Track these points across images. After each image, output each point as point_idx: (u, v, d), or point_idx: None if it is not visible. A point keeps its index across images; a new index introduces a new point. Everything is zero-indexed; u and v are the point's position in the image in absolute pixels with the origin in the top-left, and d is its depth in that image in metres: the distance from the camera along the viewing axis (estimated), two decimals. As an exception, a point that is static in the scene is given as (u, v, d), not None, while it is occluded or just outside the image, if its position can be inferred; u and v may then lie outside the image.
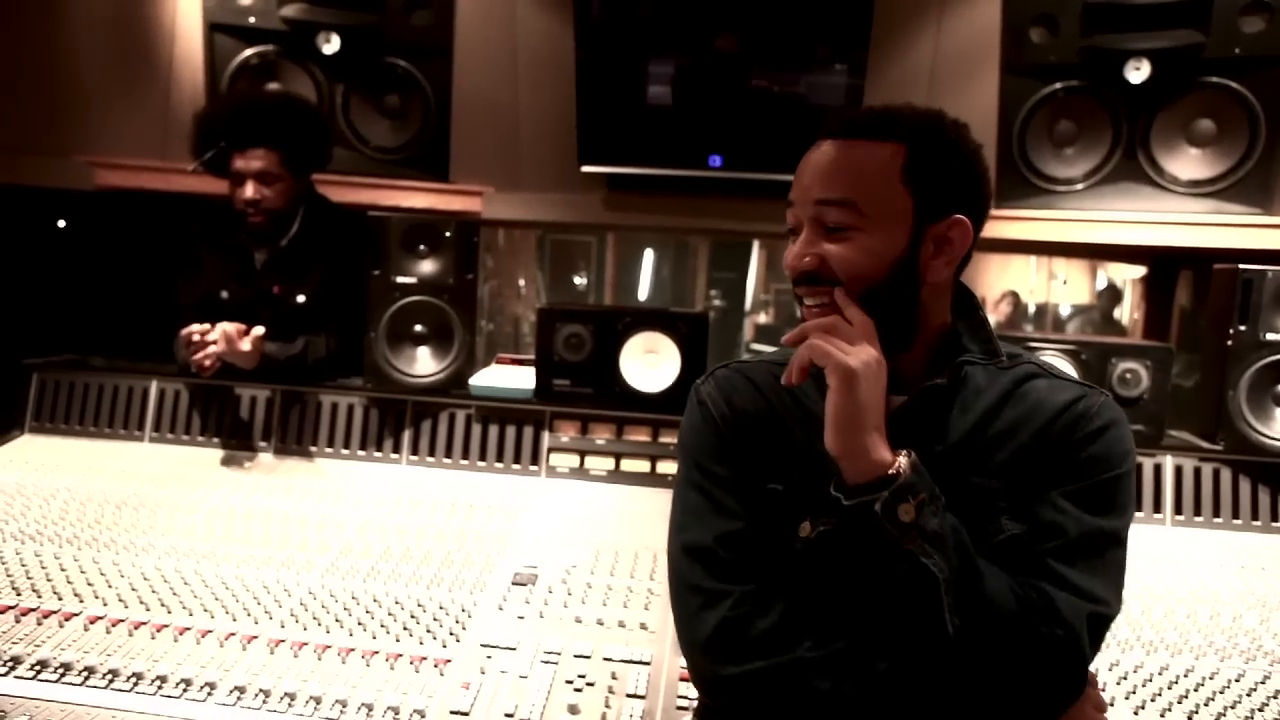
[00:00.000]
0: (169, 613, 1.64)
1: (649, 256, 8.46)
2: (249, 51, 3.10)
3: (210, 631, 1.59)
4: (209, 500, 2.02)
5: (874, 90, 3.11)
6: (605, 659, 1.57)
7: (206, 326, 2.14)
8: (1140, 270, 6.41)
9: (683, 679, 1.55)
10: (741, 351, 7.58)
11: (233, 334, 2.14)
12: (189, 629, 1.59)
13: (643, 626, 1.66)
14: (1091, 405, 1.14)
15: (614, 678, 1.53)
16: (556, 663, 1.56)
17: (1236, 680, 1.60)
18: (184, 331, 2.15)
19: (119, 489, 2.05)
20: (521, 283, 7.55)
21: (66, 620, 1.60)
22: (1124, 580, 1.13)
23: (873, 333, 1.09)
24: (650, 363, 2.19)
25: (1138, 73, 2.88)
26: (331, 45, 3.07)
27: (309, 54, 3.08)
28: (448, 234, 2.19)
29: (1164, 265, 3.79)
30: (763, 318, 8.27)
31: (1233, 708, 1.54)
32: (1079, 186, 2.98)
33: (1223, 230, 2.88)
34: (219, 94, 3.05)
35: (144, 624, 1.60)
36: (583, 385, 2.19)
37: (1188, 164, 2.93)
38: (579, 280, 8.27)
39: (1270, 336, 2.02)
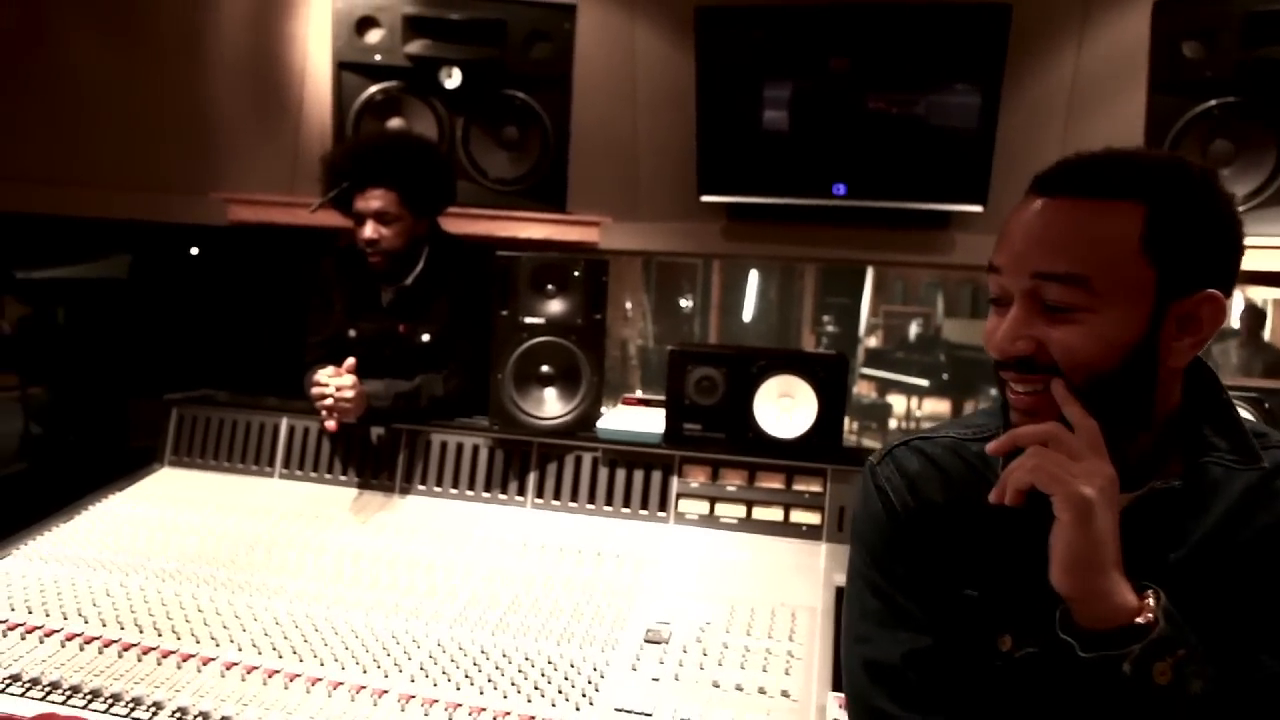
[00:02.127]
0: (301, 661, 1.62)
1: (754, 279, 8.36)
2: (374, 88, 3.15)
3: (341, 684, 1.56)
4: (338, 540, 2.02)
5: (1010, 112, 2.96)
6: (746, 729, 1.48)
7: (322, 388, 2.13)
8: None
9: (831, 756, 1.44)
10: (855, 378, 7.39)
11: (333, 390, 2.12)
12: (320, 680, 1.57)
13: (784, 694, 1.56)
14: None
15: (757, 751, 1.44)
16: (695, 732, 1.47)
17: None
18: (312, 391, 2.16)
19: (252, 527, 2.07)
20: (628, 305, 7.54)
21: (204, 665, 1.60)
22: None
23: (1101, 441, 0.92)
24: (785, 407, 2.09)
25: (1307, 86, 2.65)
26: (453, 80, 3.10)
27: (431, 89, 3.12)
28: (576, 273, 2.14)
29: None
30: (873, 341, 8.07)
31: None
32: (1240, 209, 2.76)
33: None
34: (344, 133, 3.11)
35: (277, 672, 1.59)
36: (714, 430, 2.11)
37: (1362, 183, 2.68)
38: (684, 303, 8.23)
39: None
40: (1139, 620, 0.87)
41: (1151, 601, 0.88)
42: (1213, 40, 2.74)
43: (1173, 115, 2.81)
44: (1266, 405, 1.88)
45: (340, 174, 2.39)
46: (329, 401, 2.11)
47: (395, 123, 3.15)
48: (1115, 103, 2.96)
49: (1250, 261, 2.64)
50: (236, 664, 1.60)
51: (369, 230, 2.34)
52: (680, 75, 3.14)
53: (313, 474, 2.28)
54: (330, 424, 2.13)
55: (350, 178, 2.37)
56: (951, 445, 1.11)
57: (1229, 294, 0.97)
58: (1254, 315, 6.33)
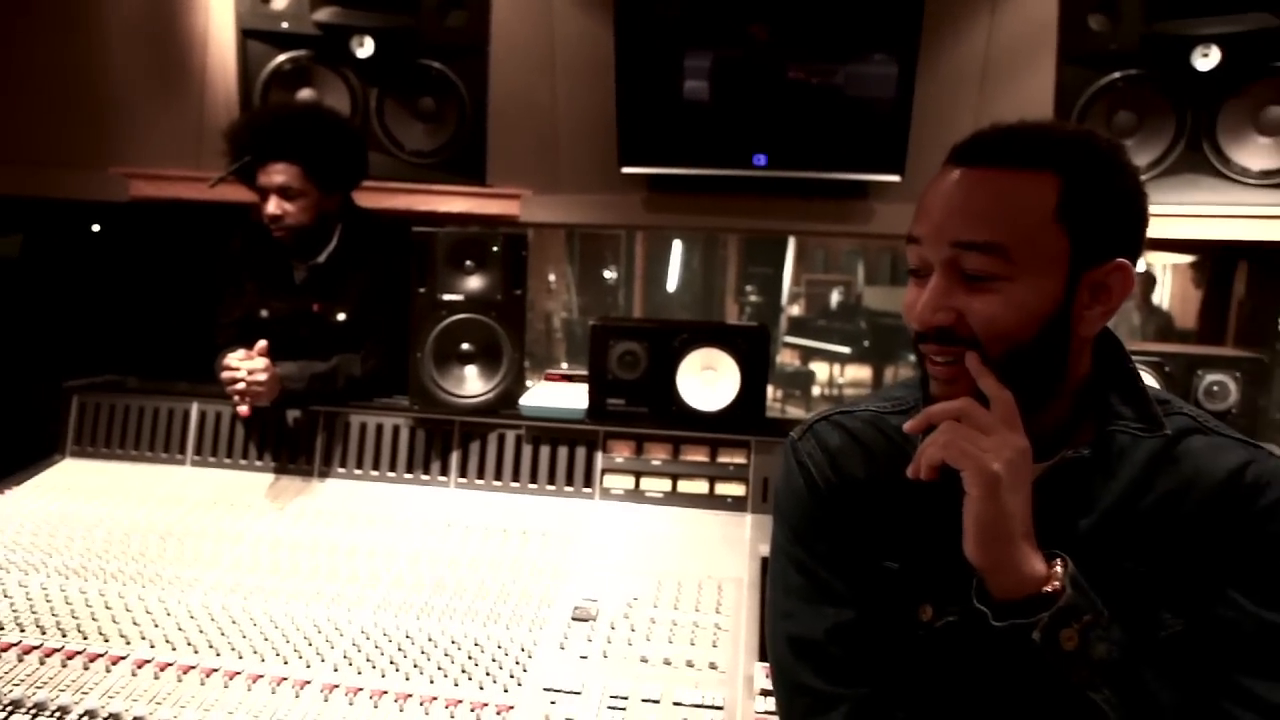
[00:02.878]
0: (218, 655, 1.57)
1: (678, 249, 8.37)
2: (282, 57, 3.03)
3: (261, 676, 1.52)
4: (254, 529, 1.96)
5: (925, 83, 2.99)
6: (675, 703, 1.49)
7: (233, 372, 2.06)
8: (1177, 258, 6.25)
9: (758, 725, 1.46)
10: (778, 347, 7.48)
11: (245, 375, 2.05)
12: (239, 673, 1.53)
13: (712, 666, 1.58)
14: (1263, 473, 0.99)
15: (686, 724, 1.45)
16: (624, 709, 1.48)
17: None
18: (223, 375, 2.09)
19: (162, 517, 2.00)
20: (551, 278, 7.49)
21: (113, 664, 1.54)
22: None
23: (1014, 412, 0.93)
24: (708, 379, 2.10)
25: (1206, 59, 2.75)
26: (365, 49, 2.99)
27: (342, 58, 3.01)
28: (495, 248, 2.10)
29: (1223, 257, 3.64)
30: (795, 310, 8.17)
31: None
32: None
33: (1298, 222, 2.75)
34: (251, 104, 2.99)
35: (193, 668, 1.54)
36: (637, 404, 2.10)
37: (1258, 154, 2.79)
38: (609, 275, 8.20)
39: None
40: (1046, 590, 0.89)
41: (1059, 570, 0.90)
42: (1117, 14, 2.81)
43: (1080, 87, 2.87)
44: (1167, 369, 1.96)
45: (242, 147, 2.29)
46: (241, 385, 2.04)
47: (305, 94, 3.03)
48: (1026, 74, 3.01)
49: (1151, 229, 2.74)
50: (148, 661, 1.55)
51: (272, 206, 2.25)
52: (599, 44, 3.09)
53: (226, 460, 2.20)
54: (243, 409, 2.06)
55: (252, 151, 2.27)
56: (871, 419, 1.12)
57: (1135, 263, 0.99)
58: (1147, 281, 6.60)
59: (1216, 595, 0.96)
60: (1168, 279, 7.32)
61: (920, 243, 0.98)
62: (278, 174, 2.25)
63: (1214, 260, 3.68)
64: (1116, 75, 2.84)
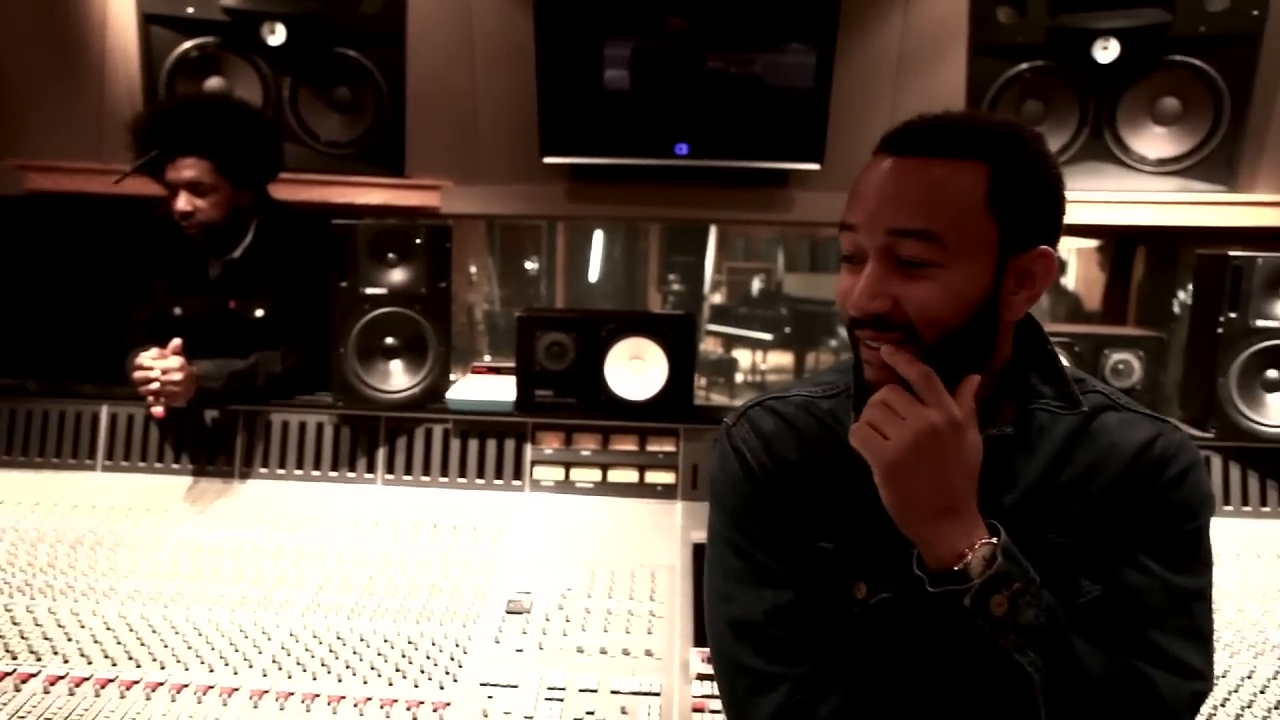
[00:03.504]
0: (138, 667, 1.52)
1: (599, 239, 8.36)
2: (188, 44, 2.92)
3: (185, 686, 1.48)
4: (173, 534, 1.89)
5: (843, 72, 3.04)
6: (613, 692, 1.50)
7: (146, 371, 1.98)
8: (1082, 242, 6.51)
9: (695, 709, 1.48)
10: (701, 335, 7.54)
11: (159, 374, 1.97)
12: (162, 684, 1.48)
13: (648, 653, 1.59)
14: (1169, 446, 1.05)
15: (624, 712, 1.46)
16: (562, 699, 1.48)
17: (1248, 678, 1.59)
18: (136, 375, 2.00)
19: (73, 525, 1.91)
20: (472, 269, 7.39)
21: (22, 683, 1.47)
22: (1214, 642, 1.05)
23: (935, 389, 0.95)
24: (635, 369, 2.10)
25: (1105, 52, 2.86)
26: (277, 36, 2.90)
27: (253, 46, 2.91)
28: (418, 240, 2.07)
29: (1124, 241, 3.81)
30: (717, 298, 8.24)
31: (1249, 707, 1.52)
32: (1054, 168, 2.96)
33: (1190, 209, 2.88)
34: (156, 94, 2.87)
35: (111, 681, 1.48)
36: (566, 395, 2.10)
37: (1154, 142, 2.92)
38: (530, 265, 8.14)
39: (1260, 323, 2.01)
40: (962, 564, 0.92)
41: (983, 547, 0.93)
42: (1023, 7, 2.91)
43: (990, 77, 2.96)
44: (1077, 349, 2.04)
45: (148, 140, 2.19)
46: (155, 386, 1.96)
47: (214, 83, 2.93)
48: (940, 64, 3.09)
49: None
50: (62, 677, 1.49)
51: (182, 202, 2.17)
52: (519, 32, 3.06)
53: (141, 464, 2.12)
54: (157, 410, 1.98)
55: (159, 145, 2.18)
56: (803, 404, 1.14)
57: (1056, 249, 1.03)
58: (1058, 265, 6.86)
59: (1130, 561, 1.02)
60: (1074, 262, 7.62)
61: (855, 230, 0.99)
62: (187, 169, 2.17)
63: (1116, 245, 3.84)
64: (1024, 66, 2.93)
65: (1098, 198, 2.90)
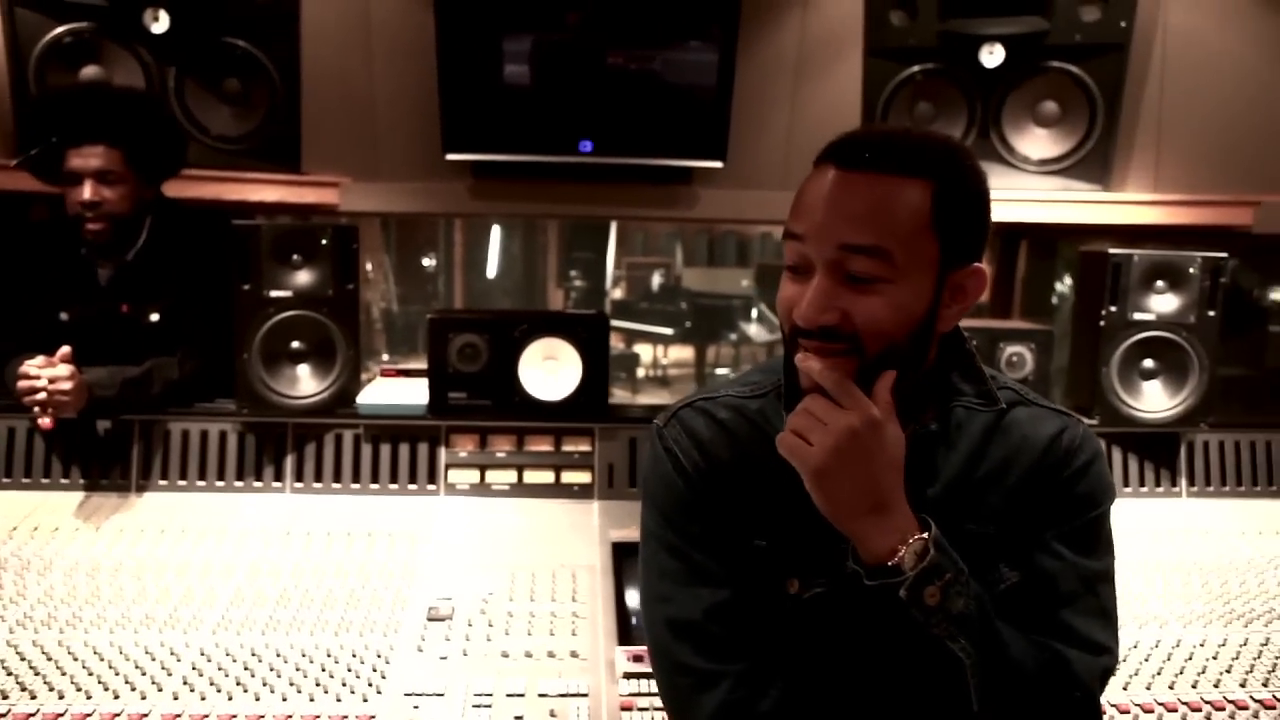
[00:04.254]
0: (33, 698, 1.43)
1: (496, 234, 8.27)
2: (60, 29, 2.74)
3: (89, 715, 1.40)
4: (65, 554, 1.79)
5: (745, 70, 3.09)
6: (540, 695, 1.50)
7: (32, 381, 1.86)
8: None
9: (624, 708, 1.49)
10: (604, 331, 7.55)
11: (46, 383, 1.86)
12: (62, 715, 1.40)
13: (574, 654, 1.60)
14: (1075, 438, 1.12)
15: (553, 715, 1.46)
16: (490, 705, 1.47)
17: (1133, 648, 1.69)
18: (20, 385, 1.88)
19: (-49, 548, 1.79)
20: (368, 267, 7.21)
21: (-92, 717, 1.38)
22: (1118, 621, 1.12)
23: (849, 391, 0.97)
24: (550, 369, 2.10)
25: (991, 56, 2.99)
26: (160, 23, 2.76)
27: (134, 33, 2.76)
28: (324, 241, 2.01)
29: (1009, 237, 4.00)
30: (618, 293, 8.27)
31: (1135, 675, 1.63)
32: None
33: (1069, 206, 3.05)
34: (25, 83, 2.69)
35: (4, 716, 1.39)
36: (480, 397, 2.07)
37: (1036, 143, 3.07)
38: (427, 262, 8.00)
39: (1138, 316, 2.14)
40: (896, 558, 0.96)
41: (914, 542, 0.97)
42: (914, 11, 3.01)
43: (884, 78, 3.06)
44: (974, 342, 2.13)
45: (49, 126, 2.06)
46: (41, 396, 1.84)
47: (91, 71, 2.75)
48: (837, 65, 3.17)
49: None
50: (-49, 710, 1.39)
51: (88, 191, 2.04)
52: (419, 24, 2.99)
53: (25, 479, 1.99)
54: (44, 421, 1.87)
55: (63, 131, 2.05)
56: (733, 404, 1.16)
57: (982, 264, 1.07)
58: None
59: (1043, 547, 1.09)
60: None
61: (801, 240, 1.00)
62: (95, 157, 2.05)
63: (1002, 240, 4.03)
64: (916, 69, 3.04)
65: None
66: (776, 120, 3.20)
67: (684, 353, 7.67)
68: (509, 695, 1.49)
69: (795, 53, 3.21)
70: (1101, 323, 2.15)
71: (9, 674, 1.47)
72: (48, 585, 1.70)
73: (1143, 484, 2.19)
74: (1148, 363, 2.17)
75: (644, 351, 7.59)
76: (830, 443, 0.96)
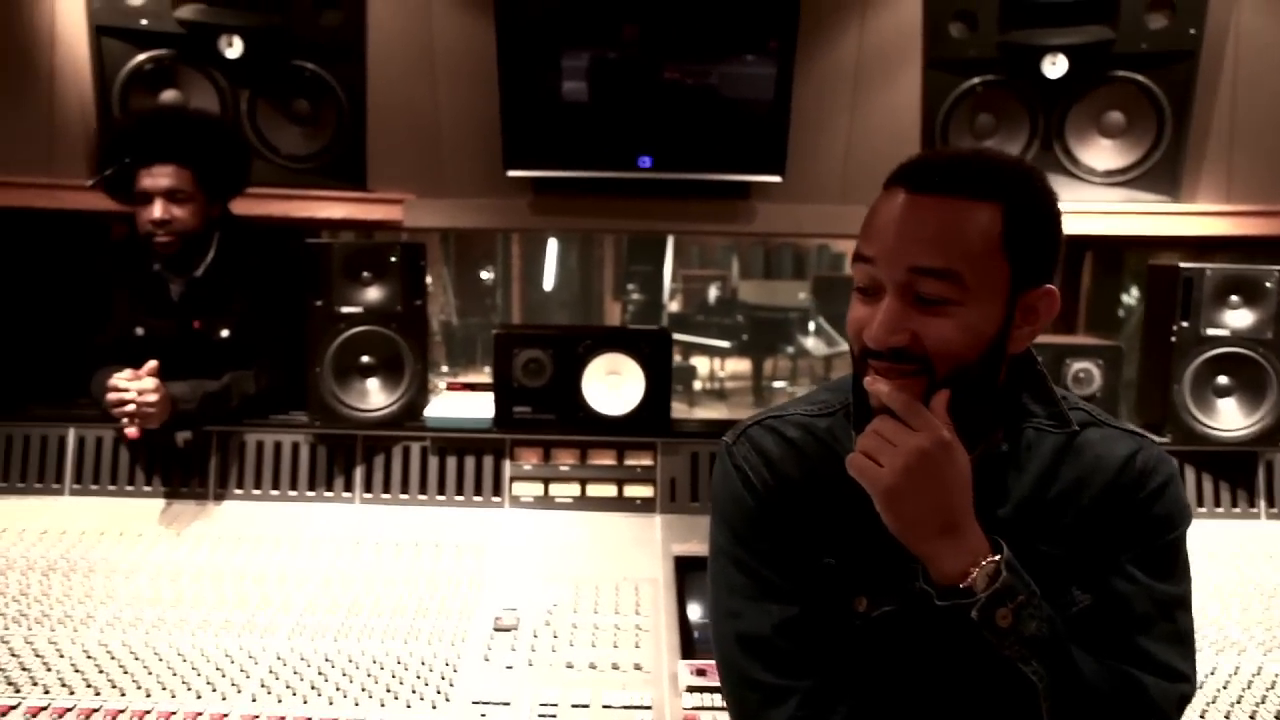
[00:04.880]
0: (123, 695, 1.50)
1: (553, 247, 8.35)
2: (142, 57, 2.86)
3: (174, 714, 1.46)
4: (149, 559, 1.86)
5: (802, 84, 3.09)
6: (605, 706, 1.52)
7: (121, 393, 1.95)
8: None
9: (687, 720, 1.51)
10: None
11: (135, 395, 1.95)
12: (149, 712, 1.46)
13: (637, 667, 1.61)
14: (1149, 460, 1.10)
15: (617, 726, 1.48)
16: (555, 715, 1.49)
17: (1211, 674, 1.66)
18: (109, 397, 1.96)
19: (43, 552, 1.87)
20: (428, 280, 7.33)
21: (3, 715, 1.44)
22: (1195, 646, 1.11)
23: (918, 413, 0.98)
24: (613, 384, 2.12)
25: (1054, 67, 2.95)
26: (234, 49, 2.86)
27: (210, 59, 2.87)
28: (393, 259, 2.07)
29: (1073, 249, 3.93)
30: (674, 306, 8.29)
31: (1213, 702, 1.59)
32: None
33: (1136, 218, 3.00)
34: (109, 107, 2.82)
35: (95, 711, 1.46)
36: (544, 411, 2.11)
37: (1101, 154, 3.02)
38: (486, 275, 8.11)
39: (1211, 332, 2.10)
40: (968, 580, 0.96)
41: (987, 564, 0.97)
42: (975, 22, 2.99)
43: (944, 91, 3.04)
44: (1040, 359, 2.11)
45: (122, 148, 2.16)
46: (130, 408, 1.93)
47: (169, 95, 2.87)
48: (896, 78, 3.16)
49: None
50: (44, 709, 1.46)
51: (158, 210, 2.14)
52: (480, 45, 3.06)
53: (111, 487, 2.08)
54: (131, 431, 1.95)
55: (135, 153, 2.15)
56: (802, 422, 1.17)
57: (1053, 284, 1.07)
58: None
59: (1117, 570, 1.07)
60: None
61: (872, 263, 1.01)
62: (165, 176, 2.15)
63: (1067, 253, 3.96)
64: (976, 80, 3.01)
65: (1049, 208, 2.99)
66: (835, 134, 3.20)
67: (741, 365, 7.66)
68: (574, 706, 1.51)
69: (853, 65, 3.20)
70: (1173, 339, 2.11)
71: (100, 671, 1.54)
72: (135, 589, 1.77)
73: (1218, 505, 2.14)
74: (1222, 379, 2.12)
75: (701, 364, 7.59)
76: (900, 464, 0.97)
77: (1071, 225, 3.10)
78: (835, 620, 1.08)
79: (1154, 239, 3.05)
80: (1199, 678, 1.60)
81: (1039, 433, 1.11)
